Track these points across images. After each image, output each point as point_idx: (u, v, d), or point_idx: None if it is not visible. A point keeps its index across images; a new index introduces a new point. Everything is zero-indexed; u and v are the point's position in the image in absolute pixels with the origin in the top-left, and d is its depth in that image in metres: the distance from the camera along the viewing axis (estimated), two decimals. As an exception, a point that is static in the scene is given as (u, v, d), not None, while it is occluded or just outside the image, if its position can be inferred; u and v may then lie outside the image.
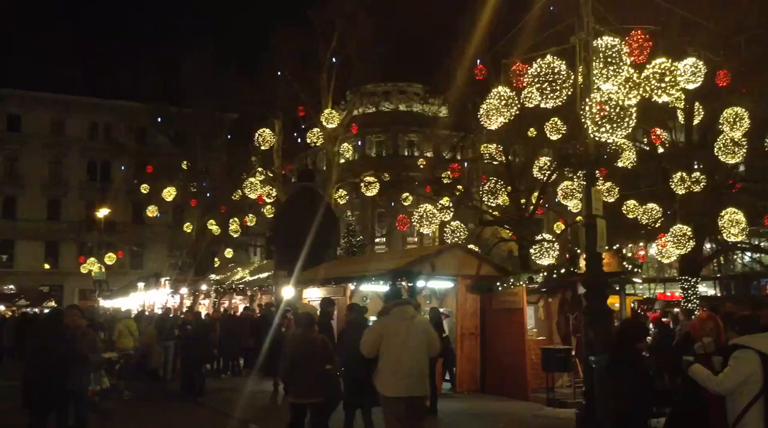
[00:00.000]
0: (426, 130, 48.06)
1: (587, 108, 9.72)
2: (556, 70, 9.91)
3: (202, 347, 14.57)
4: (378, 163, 42.98)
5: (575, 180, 15.45)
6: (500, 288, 14.74)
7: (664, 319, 15.60)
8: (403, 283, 14.57)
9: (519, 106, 11.42)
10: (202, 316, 17.86)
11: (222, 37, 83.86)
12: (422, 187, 25.40)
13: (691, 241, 15.33)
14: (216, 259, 34.92)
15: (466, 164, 25.36)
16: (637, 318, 14.60)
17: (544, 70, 9.97)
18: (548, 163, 17.76)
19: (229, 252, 32.79)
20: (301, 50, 26.80)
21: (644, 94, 10.20)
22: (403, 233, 39.85)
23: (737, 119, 12.98)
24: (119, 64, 67.45)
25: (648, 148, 19.44)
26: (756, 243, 25.39)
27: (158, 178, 33.19)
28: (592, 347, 9.56)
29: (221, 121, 39.27)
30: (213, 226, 30.06)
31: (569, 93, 10.21)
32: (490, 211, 22.06)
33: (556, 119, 14.10)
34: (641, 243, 25.18)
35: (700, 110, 16.86)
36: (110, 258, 37.06)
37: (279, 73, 26.62)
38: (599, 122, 9.52)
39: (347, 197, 26.99)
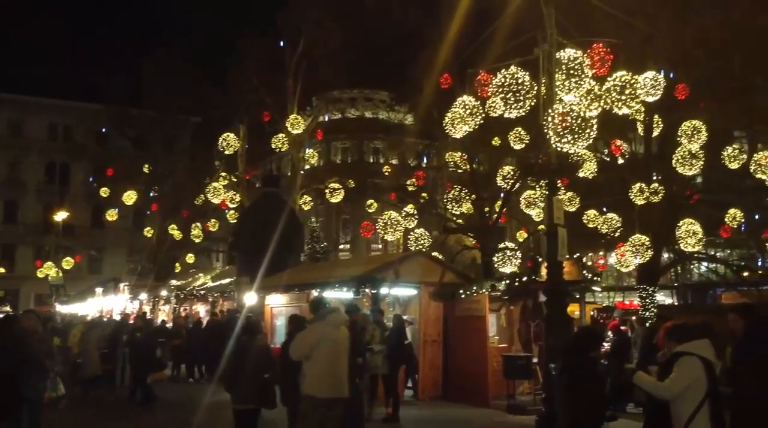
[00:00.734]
0: (392, 137, 48.28)
1: (550, 118, 9.88)
2: (520, 81, 10.06)
3: (151, 354, 14.23)
4: (343, 169, 42.92)
5: (538, 189, 15.64)
6: (463, 296, 14.82)
7: (622, 327, 15.87)
8: (367, 290, 14.58)
9: (483, 115, 11.55)
10: (158, 322, 17.55)
11: (187, 40, 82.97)
12: (387, 194, 25.45)
13: (649, 251, 15.64)
14: (177, 265, 34.41)
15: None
16: (592, 326, 14.84)
17: (508, 80, 10.11)
18: (512, 172, 17.93)
19: (190, 258, 32.37)
20: (268, 55, 26.67)
21: (605, 106, 10.41)
22: (368, 240, 39.83)
23: (695, 132, 13.33)
24: (81, 65, 66.30)
25: (608, 159, 19.77)
26: (712, 253, 26.00)
27: (119, 181, 32.64)
28: (552, 354, 9.69)
29: (184, 125, 38.80)
30: (174, 231, 29.68)
31: (532, 103, 10.37)
32: (454, 218, 22.20)
33: (519, 129, 14.27)
34: (601, 252, 25.58)
35: (659, 122, 17.24)
36: (68, 263, 36.24)
37: (244, 77, 26.43)
38: (561, 133, 9.69)
39: (312, 203, 26.88)
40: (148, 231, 33.52)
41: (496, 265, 17.21)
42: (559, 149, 10.20)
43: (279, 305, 17.65)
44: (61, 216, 41.49)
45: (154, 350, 14.52)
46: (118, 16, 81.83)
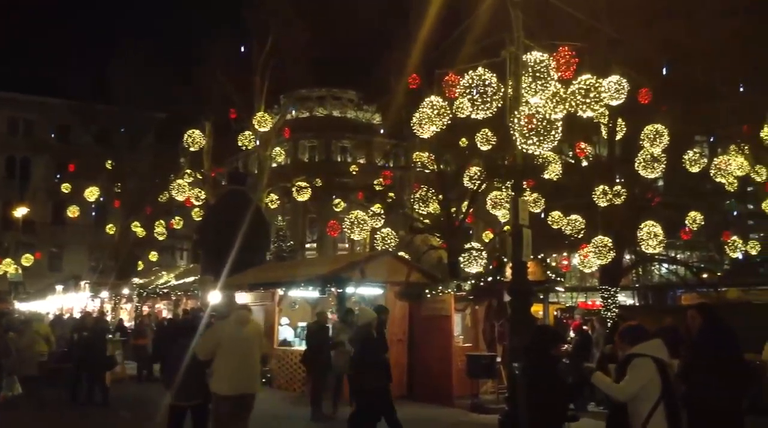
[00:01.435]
0: (359, 136, 48.26)
1: (516, 120, 9.97)
2: (487, 82, 10.13)
3: (99, 354, 13.92)
4: (310, 168, 42.80)
5: (504, 190, 15.78)
6: (428, 296, 14.88)
7: (584, 327, 16.09)
8: (332, 289, 14.54)
9: (451, 115, 11.60)
10: (118, 319, 17.22)
11: (154, 36, 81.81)
12: (354, 193, 25.41)
13: (611, 252, 15.87)
14: (140, 263, 33.89)
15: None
16: (550, 325, 15.03)
17: (475, 81, 10.17)
18: (478, 173, 18.06)
19: (153, 256, 31.92)
20: (235, 52, 26.43)
21: (570, 109, 10.54)
22: (334, 239, 39.77)
23: (657, 136, 13.56)
24: (43, 60, 64.74)
25: (573, 161, 20.03)
26: (672, 255, 26.53)
27: (80, 177, 32.02)
28: (515, 354, 9.78)
29: (149, 121, 38.25)
30: (137, 228, 29.24)
31: (499, 105, 10.45)
32: (421, 218, 22.26)
33: (486, 130, 14.37)
34: (565, 253, 25.90)
35: (623, 126, 17.53)
36: (27, 260, 35.46)
37: (211, 74, 26.15)
38: (527, 134, 9.78)
39: (278, 202, 26.70)
40: (110, 229, 32.96)
41: (461, 265, 17.32)
42: (524, 151, 10.29)
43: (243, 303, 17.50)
44: (20, 211, 40.52)
45: (103, 348, 14.15)
46: (82, 10, 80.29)
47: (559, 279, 21.53)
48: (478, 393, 13.56)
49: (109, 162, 33.27)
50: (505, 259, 13.48)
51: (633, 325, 5.69)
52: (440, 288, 14.92)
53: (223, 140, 28.27)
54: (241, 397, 7.09)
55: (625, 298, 31.61)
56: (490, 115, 10.49)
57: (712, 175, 16.31)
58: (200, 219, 25.30)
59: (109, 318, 24.00)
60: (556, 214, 17.25)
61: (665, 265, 26.11)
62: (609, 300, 20.20)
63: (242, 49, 26.29)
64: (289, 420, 12.28)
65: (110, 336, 17.92)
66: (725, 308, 19.32)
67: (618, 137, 18.59)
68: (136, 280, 27.51)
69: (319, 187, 25.94)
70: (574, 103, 10.45)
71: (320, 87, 48.44)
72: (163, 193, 25.97)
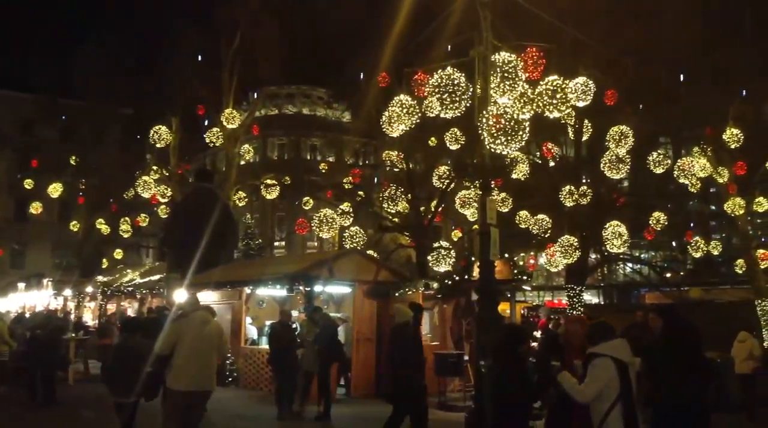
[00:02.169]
0: (329, 134, 48.07)
1: (484, 120, 10.03)
2: (455, 82, 10.16)
3: (53, 353, 13.52)
4: (279, 165, 42.54)
5: (472, 189, 15.87)
6: (397, 294, 14.90)
7: (550, 325, 16.27)
8: (300, 287, 14.48)
9: (420, 114, 11.63)
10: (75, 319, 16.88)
11: (121, 29, 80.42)
12: (323, 191, 25.32)
13: (577, 251, 16.10)
14: (104, 260, 33.31)
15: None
16: (517, 324, 15.19)
17: (444, 80, 10.20)
18: (447, 172, 18.14)
19: (118, 253, 31.40)
20: (203, 47, 26.10)
21: (537, 109, 10.63)
22: (303, 237, 39.61)
23: (622, 137, 13.77)
24: (6, 53, 63.34)
25: (540, 162, 20.24)
26: (636, 254, 26.99)
27: (44, 172, 31.36)
28: (483, 352, 9.85)
29: (115, 116, 37.59)
30: (102, 226, 28.75)
31: (468, 104, 10.50)
32: (390, 217, 22.28)
33: (455, 129, 14.44)
34: (532, 253, 26.16)
35: (589, 127, 17.75)
36: (-12, 257, 34.63)
37: (178, 70, 25.80)
38: (495, 134, 9.84)
39: (246, 199, 26.45)
40: (74, 226, 32.31)
41: (430, 264, 17.38)
42: (492, 150, 10.36)
43: (210, 302, 17.31)
44: (-19, 208, 39.59)
45: (56, 347, 13.85)
46: (46, 3, 78.65)
47: (526, 278, 21.78)
48: (445, 391, 13.62)
49: (74, 157, 32.66)
50: (473, 258, 13.58)
51: (598, 324, 5.76)
52: (408, 286, 14.96)
53: (190, 137, 27.92)
54: (195, 394, 7.32)
55: (590, 297, 32.07)
56: (459, 114, 10.53)
57: (675, 176, 16.62)
58: (166, 216, 24.97)
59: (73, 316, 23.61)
60: (523, 213, 17.42)
61: (629, 265, 26.53)
62: (575, 299, 20.46)
63: (211, 43, 25.92)
64: (256, 419, 12.19)
65: (73, 334, 17.64)
66: (688, 307, 19.75)
67: (584, 138, 18.83)
68: (100, 278, 27.06)
69: (288, 185, 25.78)
70: (541, 104, 10.55)
71: (290, 84, 48.14)
72: (129, 190, 25.56)
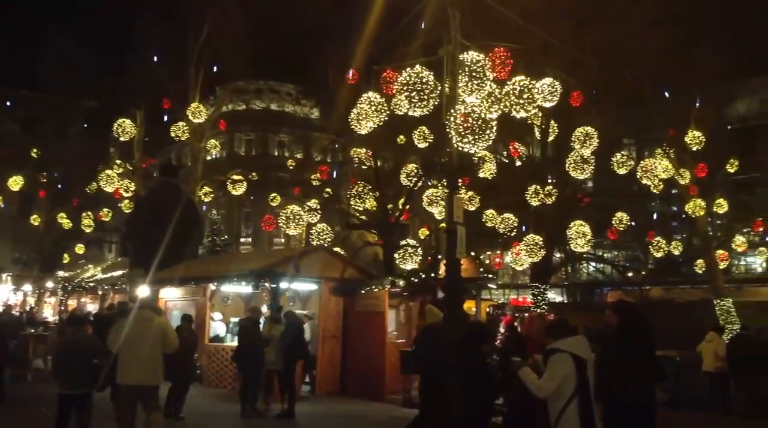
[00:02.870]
0: (297, 130, 47.82)
1: (452, 118, 10.07)
2: (424, 80, 10.18)
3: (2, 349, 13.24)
4: (246, 161, 42.17)
5: (440, 187, 15.94)
6: (363, 292, 14.89)
7: (516, 324, 16.42)
8: (266, 284, 14.37)
9: (388, 112, 11.63)
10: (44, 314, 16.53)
11: (84, 21, 78.77)
12: (291, 188, 25.19)
13: (542, 250, 16.27)
14: (66, 255, 32.68)
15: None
16: (481, 322, 15.29)
17: (413, 79, 10.21)
18: (415, 170, 18.18)
19: (80, 248, 30.86)
20: (170, 40, 25.71)
21: (504, 109, 10.72)
22: (270, 234, 39.32)
23: (587, 138, 13.96)
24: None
25: (507, 161, 20.41)
26: (600, 254, 27.39)
27: (5, 165, 30.62)
28: (450, 349, 9.88)
29: (78, 109, 36.89)
30: (63, 220, 28.20)
31: (436, 103, 10.53)
32: (358, 214, 22.26)
33: (424, 128, 14.47)
34: (498, 251, 26.36)
35: (555, 128, 17.95)
36: (-55, 251, 33.70)
37: (144, 62, 25.39)
38: (463, 133, 9.89)
39: (212, 195, 26.18)
40: (34, 220, 31.61)
41: (397, 262, 17.41)
42: (460, 149, 10.41)
43: (174, 299, 17.13)
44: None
45: (4, 343, 13.52)
46: (7, -11, 76.59)
47: (491, 276, 21.94)
48: (410, 389, 13.65)
49: (35, 150, 31.98)
50: (440, 256, 13.64)
51: (557, 320, 5.85)
52: (375, 284, 14.96)
53: (155, 131, 27.50)
54: (139, 387, 7.91)
55: (554, 295, 32.45)
56: (427, 112, 10.55)
57: (638, 177, 16.90)
58: (130, 211, 24.59)
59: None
60: (490, 212, 17.54)
61: (593, 264, 26.92)
62: (539, 297, 20.69)
63: (178, 36, 25.56)
64: (219, 417, 12.07)
65: (32, 330, 17.25)
66: (649, 306, 20.12)
67: (550, 138, 19.04)
68: (61, 274, 26.58)
69: (254, 181, 25.59)
70: (508, 104, 10.64)
71: (258, 80, 47.77)
72: (92, 184, 25.11)
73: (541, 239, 16.19)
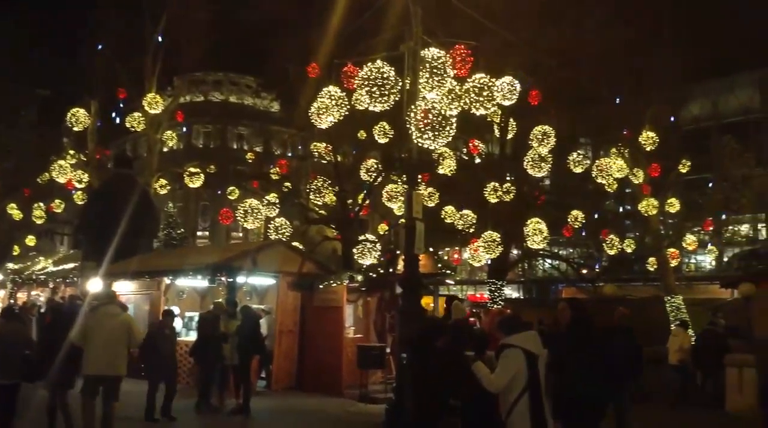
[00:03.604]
0: (257, 123, 47.34)
1: (412, 114, 10.07)
2: (385, 76, 10.15)
3: None
4: (204, 154, 41.61)
5: (399, 183, 15.95)
6: (321, 287, 14.84)
7: (471, 319, 16.59)
8: (222, 278, 14.21)
9: (349, 107, 11.58)
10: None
11: (40, 6, 76.57)
12: (249, 181, 24.92)
13: (499, 247, 16.43)
14: (15, 247, 31.78)
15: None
16: (436, 317, 15.39)
17: (374, 74, 10.17)
18: (375, 166, 18.16)
19: (31, 240, 30.02)
20: (127, 29, 25.15)
21: (464, 106, 10.76)
22: (228, 227, 38.93)
23: (545, 136, 14.13)
24: None
25: (467, 158, 20.55)
26: (555, 251, 27.83)
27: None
28: (405, 344, 9.92)
29: (30, 97, 35.85)
30: (14, 211, 27.42)
31: (397, 98, 10.52)
32: (317, 209, 22.14)
33: (384, 123, 14.46)
34: (456, 248, 26.56)
35: (514, 126, 18.12)
36: None
37: (99, 51, 24.80)
38: (423, 129, 9.90)
39: (169, 187, 25.75)
40: (-17, 210, 30.67)
41: (355, 257, 17.38)
42: (420, 145, 10.42)
43: (127, 292, 16.79)
44: None
45: None
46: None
47: (450, 272, 22.09)
48: (367, 384, 13.67)
49: (-16, 139, 31.02)
50: (398, 252, 13.65)
51: (509, 316, 5.91)
52: (333, 279, 14.92)
53: (110, 121, 26.89)
54: (103, 377, 8.44)
55: (511, 291, 32.89)
56: (388, 108, 10.53)
57: (594, 176, 17.19)
58: (83, 202, 24.04)
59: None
60: (449, 208, 17.65)
61: (548, 261, 27.33)
62: (496, 294, 20.92)
63: (135, 24, 25.00)
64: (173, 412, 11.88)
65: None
66: (601, 302, 20.52)
67: (509, 136, 19.22)
68: (10, 266, 25.85)
69: (212, 174, 25.23)
70: (468, 101, 10.68)
71: (217, 71, 47.15)
72: (44, 175, 24.46)
73: (498, 236, 16.35)
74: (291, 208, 23.47)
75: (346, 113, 11.64)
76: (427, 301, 20.04)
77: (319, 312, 14.91)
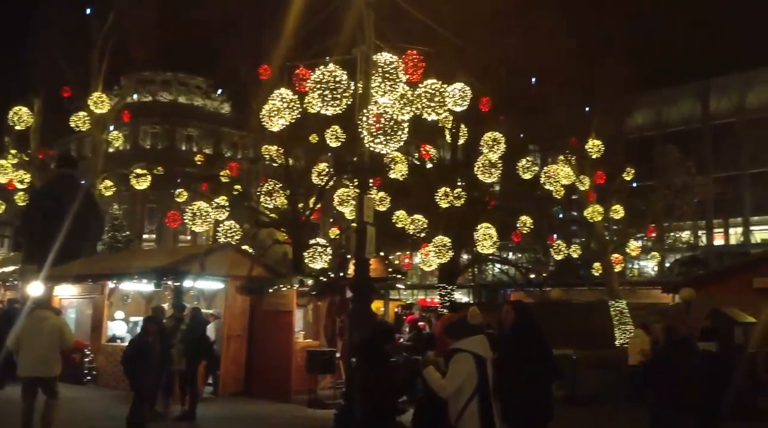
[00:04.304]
0: (206, 125, 46.66)
1: (364, 118, 10.08)
2: (337, 79, 10.13)
3: None
4: (151, 155, 40.80)
5: (351, 187, 15.93)
6: (271, 291, 14.69)
7: (420, 323, 16.69)
8: (169, 282, 13.93)
9: (301, 110, 11.52)
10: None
11: (-24, -1, 73.88)
12: (198, 183, 24.51)
13: (450, 252, 16.57)
14: (-49, 249, 30.59)
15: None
16: (385, 321, 15.45)
17: (326, 77, 10.14)
18: (327, 169, 18.09)
19: (-32, 242, 28.92)
20: (73, 25, 24.45)
21: (416, 111, 10.83)
22: (175, 230, 38.22)
23: (495, 143, 14.33)
24: None
25: (418, 163, 20.67)
26: (505, 255, 28.22)
27: None
28: (355, 349, 9.89)
29: (-32, 93, 34.48)
30: (-49, 211, 26.31)
31: (349, 102, 10.50)
32: (267, 212, 21.93)
33: (336, 127, 14.42)
34: (407, 252, 26.67)
35: (465, 132, 18.31)
36: None
37: (43, 47, 24.05)
38: (375, 133, 9.92)
39: (114, 189, 25.11)
40: None
41: (306, 261, 17.27)
42: (372, 149, 10.43)
43: (70, 296, 16.33)
44: None
45: None
46: None
47: (400, 276, 22.15)
48: (316, 389, 13.58)
49: None
50: (349, 256, 13.63)
51: (456, 320, 5.94)
52: (282, 283, 14.79)
53: (54, 120, 26.09)
54: (34, 379, 8.97)
55: (461, 296, 33.19)
56: (340, 111, 10.51)
57: (542, 182, 17.50)
58: (24, 204, 23.26)
59: None
60: (400, 213, 17.71)
61: (498, 265, 27.66)
62: (446, 297, 21.06)
63: (81, 21, 24.31)
64: (116, 419, 11.54)
65: None
66: (548, 306, 20.89)
67: (460, 142, 19.40)
68: (-55, 268, 24.78)
69: (160, 176, 24.72)
70: (420, 106, 10.75)
71: (166, 71, 46.31)
72: (-17, 175, 23.55)
73: (449, 241, 16.49)
74: (241, 211, 23.18)
75: (298, 116, 11.58)
76: (377, 305, 20.09)
77: (269, 316, 14.75)
